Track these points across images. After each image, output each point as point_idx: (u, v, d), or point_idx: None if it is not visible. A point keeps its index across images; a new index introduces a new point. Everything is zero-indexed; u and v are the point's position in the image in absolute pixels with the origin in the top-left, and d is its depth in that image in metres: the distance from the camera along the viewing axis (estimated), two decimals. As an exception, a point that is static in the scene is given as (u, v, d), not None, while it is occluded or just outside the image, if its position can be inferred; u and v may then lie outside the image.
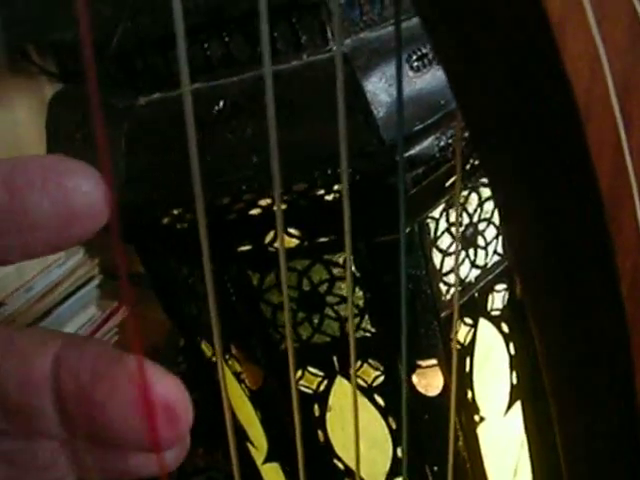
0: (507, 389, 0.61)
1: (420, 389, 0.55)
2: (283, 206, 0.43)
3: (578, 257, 0.19)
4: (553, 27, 0.15)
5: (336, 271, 0.49)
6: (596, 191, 0.18)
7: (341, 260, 0.49)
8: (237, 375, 0.58)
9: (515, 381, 0.61)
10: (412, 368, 0.53)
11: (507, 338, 0.59)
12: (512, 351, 0.59)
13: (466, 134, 0.43)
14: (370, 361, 0.53)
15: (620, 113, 0.17)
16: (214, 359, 0.61)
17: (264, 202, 0.43)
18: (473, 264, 0.53)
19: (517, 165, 0.19)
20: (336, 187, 0.43)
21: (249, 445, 0.65)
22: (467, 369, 0.56)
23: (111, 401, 0.20)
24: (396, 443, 0.57)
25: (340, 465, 0.59)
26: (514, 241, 0.21)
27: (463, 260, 0.52)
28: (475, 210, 0.52)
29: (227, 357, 0.58)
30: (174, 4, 0.17)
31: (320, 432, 0.58)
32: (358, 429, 0.29)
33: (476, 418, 0.58)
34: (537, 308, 0.22)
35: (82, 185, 0.19)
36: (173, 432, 0.20)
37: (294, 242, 0.48)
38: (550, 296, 0.21)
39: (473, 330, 0.56)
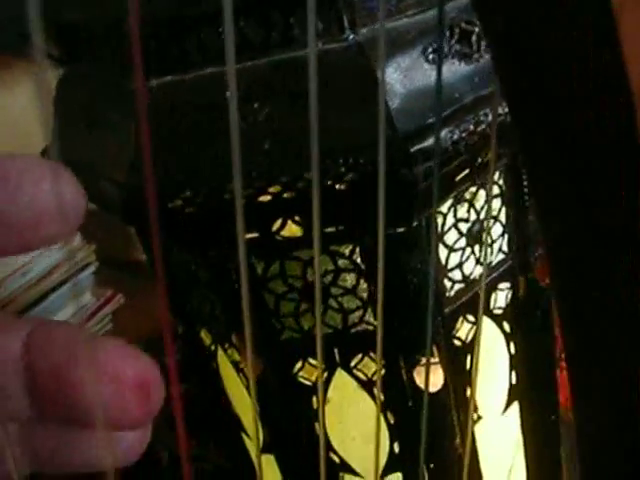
0: (506, 388, 0.61)
1: (420, 385, 0.54)
2: (292, 194, 0.43)
3: (613, 250, 0.19)
4: (614, 11, 0.15)
5: (341, 262, 0.49)
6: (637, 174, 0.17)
7: (347, 251, 0.49)
8: (236, 364, 0.58)
9: (514, 381, 0.61)
10: (413, 364, 0.53)
11: (508, 337, 0.58)
12: (512, 350, 0.59)
13: (479, 128, 0.43)
14: (372, 354, 0.53)
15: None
16: (212, 348, 0.61)
17: (274, 189, 0.43)
18: (478, 261, 0.53)
19: (562, 150, 0.19)
20: (347, 177, 0.43)
21: (244, 436, 0.65)
22: (467, 367, 0.56)
23: (84, 380, 0.20)
24: (393, 438, 0.57)
25: (336, 458, 0.59)
26: (550, 230, 0.21)
27: (468, 257, 0.52)
28: (482, 207, 0.52)
29: (226, 346, 0.58)
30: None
31: (317, 425, 0.57)
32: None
33: (474, 416, 0.58)
34: (567, 299, 0.21)
35: (55, 187, 0.19)
36: (144, 410, 0.21)
37: (299, 232, 0.48)
38: (582, 288, 0.21)
39: (475, 328, 0.55)
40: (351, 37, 0.42)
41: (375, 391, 0.55)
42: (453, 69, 0.43)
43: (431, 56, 0.43)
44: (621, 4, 0.15)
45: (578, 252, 0.20)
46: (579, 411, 0.25)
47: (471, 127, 0.43)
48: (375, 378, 0.54)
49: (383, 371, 0.53)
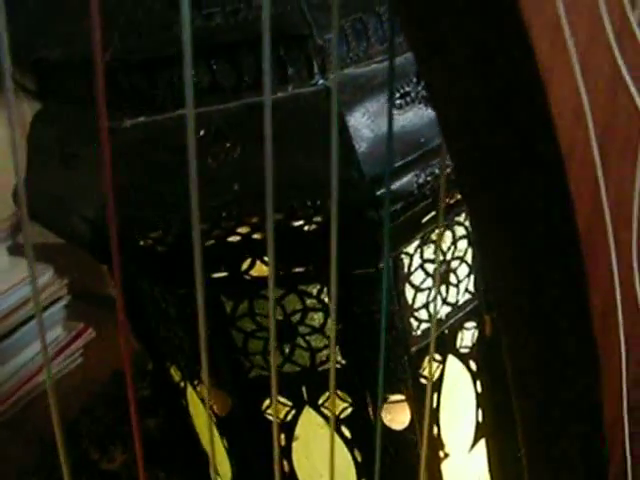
0: (472, 426, 0.61)
1: (387, 423, 0.55)
2: (261, 235, 0.44)
3: (554, 291, 0.20)
4: (542, 73, 0.16)
5: (309, 301, 0.50)
6: (574, 228, 0.18)
7: (315, 291, 0.49)
8: (204, 401, 0.58)
9: (481, 419, 0.61)
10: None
11: (474, 376, 0.59)
12: (479, 389, 0.60)
13: (445, 171, 0.44)
14: (339, 392, 0.53)
15: (599, 155, 0.18)
16: (182, 384, 0.61)
17: (243, 230, 0.44)
18: (444, 301, 0.54)
19: (499, 200, 0.20)
20: (314, 219, 0.43)
21: (212, 472, 0.64)
22: (434, 405, 0.57)
23: None
24: (360, 476, 0.57)
25: (303, 496, 0.59)
26: (491, 275, 0.22)
27: (435, 297, 0.53)
28: (449, 248, 0.53)
29: (195, 382, 0.58)
30: (183, 31, 0.17)
31: (285, 462, 0.58)
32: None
33: (441, 454, 0.59)
34: (512, 341, 0.22)
35: None
36: None
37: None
38: (525, 329, 0.22)
39: (441, 366, 0.56)
40: (320, 82, 0.43)
41: (342, 428, 0.56)
42: (419, 114, 0.45)
43: (398, 101, 0.44)
44: (550, 65, 0.16)
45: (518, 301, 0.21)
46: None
47: (437, 170, 0.44)
48: (343, 416, 0.55)
49: (350, 409, 0.54)
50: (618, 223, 0.19)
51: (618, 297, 0.20)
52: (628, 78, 0.18)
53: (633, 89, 0.18)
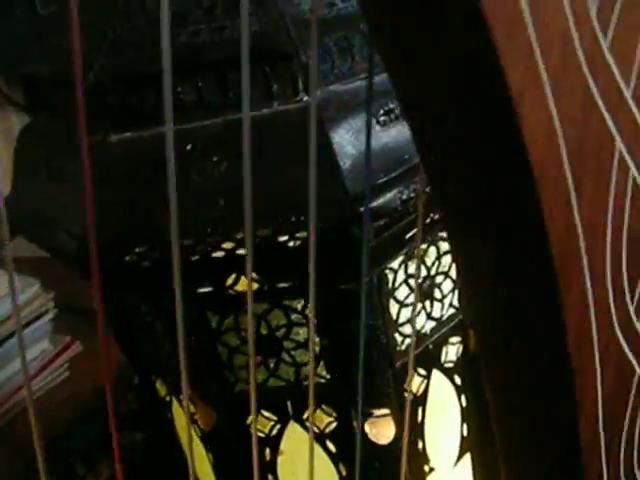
0: (457, 440, 0.62)
1: (372, 437, 0.55)
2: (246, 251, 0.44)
3: (529, 312, 0.20)
4: (513, 99, 0.16)
5: (294, 317, 0.50)
6: (547, 249, 0.19)
7: (300, 306, 0.50)
8: (190, 415, 0.58)
9: (466, 433, 0.61)
10: (365, 416, 0.54)
11: (459, 390, 0.59)
12: (464, 403, 0.60)
13: (428, 188, 0.44)
14: (324, 407, 0.54)
15: (572, 177, 0.18)
16: (167, 398, 0.61)
17: (228, 245, 0.44)
18: (429, 316, 0.54)
19: (475, 224, 0.20)
20: (299, 234, 0.44)
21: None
22: (419, 419, 0.57)
23: None
24: (346, 490, 0.57)
25: (289, 510, 0.59)
26: (471, 297, 0.22)
27: (419, 312, 0.53)
28: (433, 263, 0.53)
29: (181, 397, 0.58)
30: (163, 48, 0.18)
31: (270, 476, 0.58)
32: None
33: (426, 468, 0.59)
34: (490, 360, 0.23)
35: None
36: None
37: (254, 286, 0.48)
38: (502, 348, 0.22)
39: (426, 381, 0.56)
40: (305, 98, 0.44)
41: (327, 442, 0.56)
42: (403, 131, 0.45)
43: (382, 118, 0.45)
44: (521, 91, 0.16)
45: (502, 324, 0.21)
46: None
47: (419, 187, 0.44)
48: (327, 430, 0.55)
49: (335, 424, 0.54)
50: (591, 244, 0.19)
51: (592, 315, 0.20)
52: (600, 101, 0.18)
53: (605, 112, 0.18)
